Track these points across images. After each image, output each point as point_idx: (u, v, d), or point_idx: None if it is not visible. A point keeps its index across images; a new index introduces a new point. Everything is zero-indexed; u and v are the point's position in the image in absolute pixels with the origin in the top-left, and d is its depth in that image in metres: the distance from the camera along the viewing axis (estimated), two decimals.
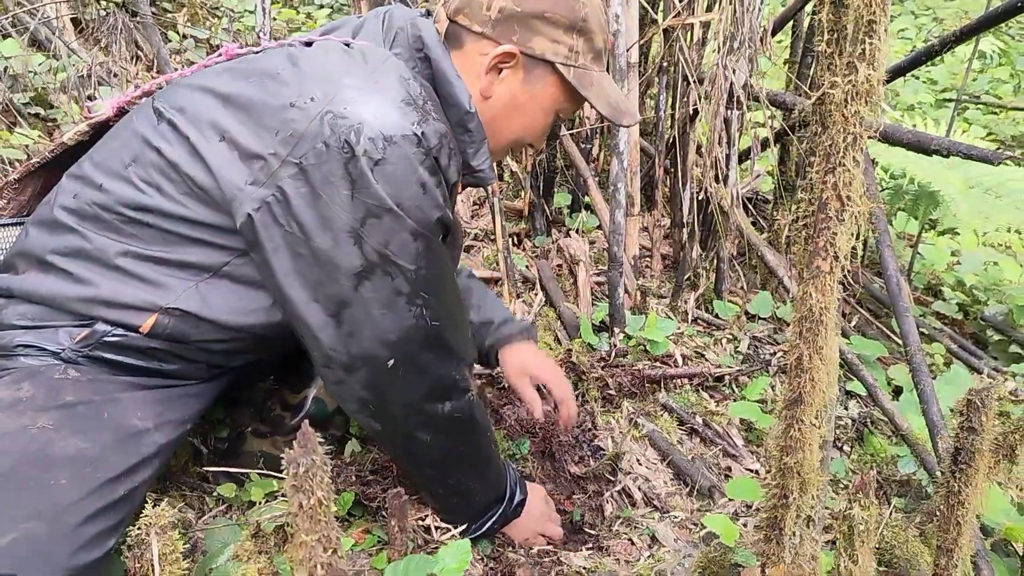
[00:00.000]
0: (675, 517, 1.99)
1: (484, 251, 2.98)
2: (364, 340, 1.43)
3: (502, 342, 2.01)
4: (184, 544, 1.57)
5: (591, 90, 1.60)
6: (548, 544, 1.86)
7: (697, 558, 1.76)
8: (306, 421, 0.94)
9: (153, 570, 1.25)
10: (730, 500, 2.02)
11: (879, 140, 2.24)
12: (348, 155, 1.34)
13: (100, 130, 1.64)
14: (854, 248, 1.19)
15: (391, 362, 1.45)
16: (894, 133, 2.18)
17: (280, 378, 1.94)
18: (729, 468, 2.19)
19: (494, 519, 1.75)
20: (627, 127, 1.75)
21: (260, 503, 1.63)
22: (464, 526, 1.73)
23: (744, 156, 3.19)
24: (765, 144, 3.24)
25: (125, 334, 1.46)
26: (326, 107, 1.37)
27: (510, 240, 3.07)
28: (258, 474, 1.80)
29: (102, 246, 1.46)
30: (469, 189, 3.18)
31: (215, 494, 1.75)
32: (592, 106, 1.61)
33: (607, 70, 1.69)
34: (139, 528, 1.24)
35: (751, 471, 2.19)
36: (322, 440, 1.86)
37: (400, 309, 1.43)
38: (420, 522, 1.68)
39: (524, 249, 3.06)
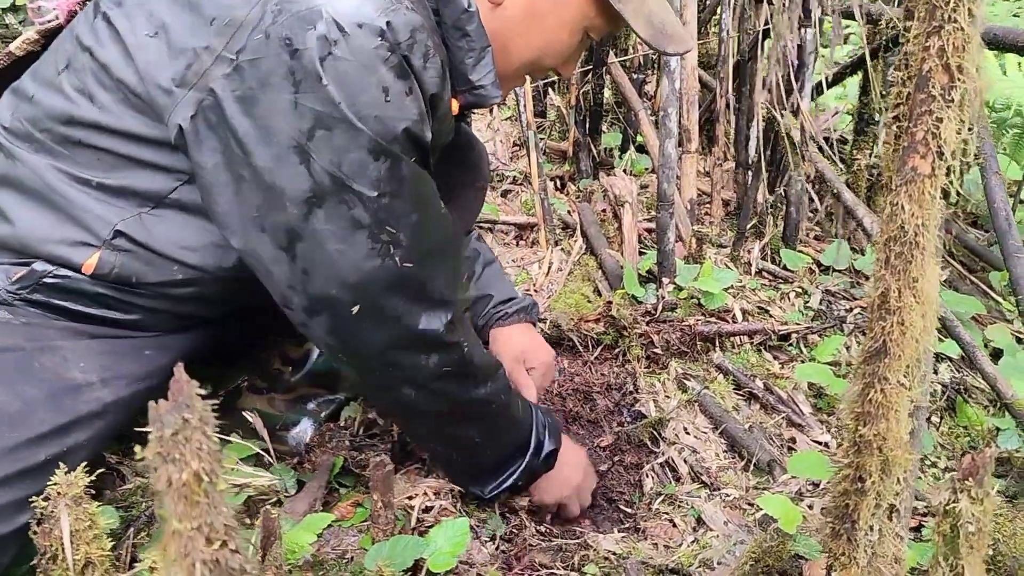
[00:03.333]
0: (727, 495, 1.70)
1: (523, 195, 2.69)
2: (321, 280, 1.18)
3: (496, 321, 1.75)
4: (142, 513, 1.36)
5: (628, 4, 1.30)
6: (577, 517, 1.59)
7: (750, 546, 1.46)
8: (180, 365, 0.67)
9: (63, 549, 1.02)
10: (793, 478, 1.71)
11: (984, 46, 1.85)
12: (292, 48, 1.08)
13: (52, 38, 1.40)
14: (948, 182, 0.88)
15: (355, 308, 1.20)
16: (1006, 36, 1.78)
17: (281, 327, 1.70)
18: (793, 440, 1.88)
19: (517, 473, 1.49)
20: (672, 56, 1.43)
21: (228, 469, 1.39)
22: (477, 484, 1.48)
23: (824, 88, 2.82)
24: (844, 74, 2.86)
25: (68, 275, 1.25)
26: None
27: (552, 183, 2.78)
28: (240, 435, 1.57)
29: (34, 169, 1.25)
30: (506, 126, 2.89)
31: None
32: (627, 25, 1.31)
33: None
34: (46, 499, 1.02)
35: (819, 444, 1.88)
36: (318, 399, 1.66)
37: (360, 245, 1.17)
38: (408, 500, 1.42)
39: (567, 193, 2.76)
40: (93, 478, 1.04)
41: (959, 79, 0.81)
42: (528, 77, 1.47)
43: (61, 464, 1.13)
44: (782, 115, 2.18)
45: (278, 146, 1.11)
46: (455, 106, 1.33)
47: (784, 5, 2.09)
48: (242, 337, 1.67)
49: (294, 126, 1.10)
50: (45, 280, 1.24)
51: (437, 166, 1.52)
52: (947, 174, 0.85)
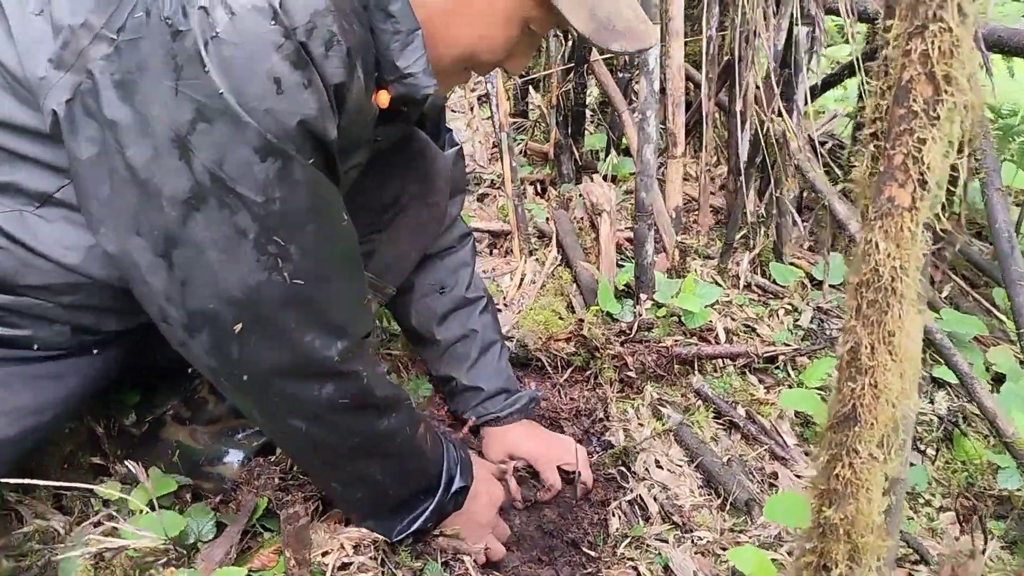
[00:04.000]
0: (699, 539, 1.54)
1: (501, 200, 2.54)
2: (200, 293, 1.03)
3: (487, 421, 1.62)
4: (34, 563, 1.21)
5: None
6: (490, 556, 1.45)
7: None
8: None
9: None
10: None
11: (986, 49, 1.68)
12: (174, 29, 0.94)
13: None
14: (949, 191, 0.72)
15: (238, 327, 1.04)
16: (1011, 38, 1.61)
17: None
18: (775, 475, 1.72)
19: (427, 513, 1.33)
20: (619, 54, 1.25)
21: (138, 512, 1.25)
22: (381, 525, 1.33)
23: (817, 91, 2.65)
24: (842, 75, 2.70)
25: None
26: None
27: (532, 187, 2.63)
28: (161, 471, 1.43)
29: None
30: (486, 126, 2.74)
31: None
32: (563, 19, 1.13)
33: None
34: None
35: (803, 479, 1.72)
36: (246, 430, 1.51)
37: (244, 256, 1.02)
38: (323, 556, 1.27)
39: (548, 199, 2.61)
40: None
41: (946, 91, 0.65)
42: (472, 73, 1.29)
43: None
44: (771, 120, 2.02)
45: (156, 138, 0.96)
46: (384, 98, 1.15)
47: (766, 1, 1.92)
48: (166, 359, 1.53)
49: (174, 117, 0.95)
50: None
51: (376, 177, 1.37)
52: (931, 207, 0.70)
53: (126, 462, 1.47)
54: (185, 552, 1.29)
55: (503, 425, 1.62)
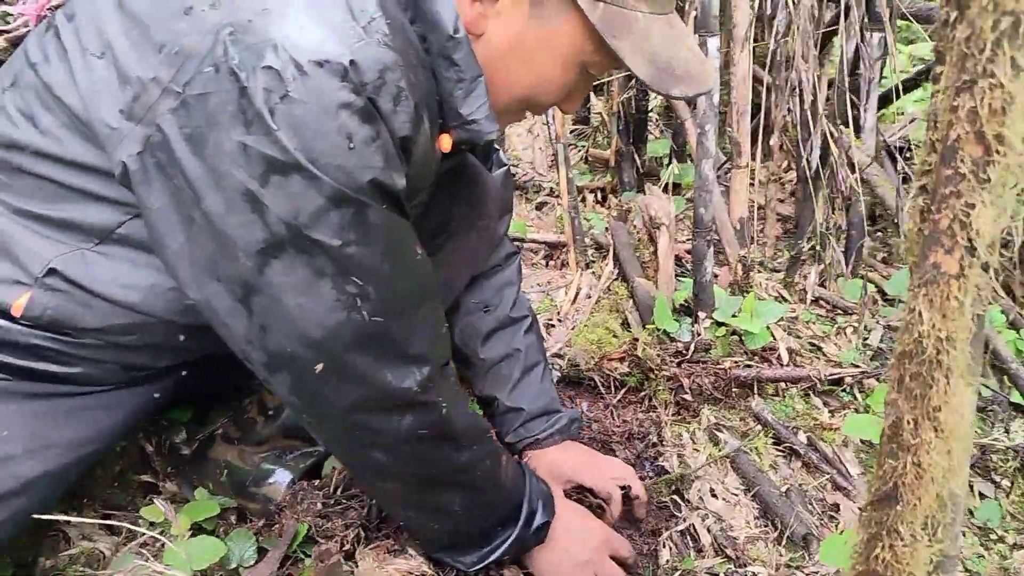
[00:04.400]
0: (753, 574, 1.48)
1: (559, 209, 2.50)
2: (280, 336, 1.04)
3: (528, 444, 1.58)
4: None
5: (625, 39, 1.10)
6: None
7: None
8: None
9: None
10: None
11: None
12: (242, 85, 0.94)
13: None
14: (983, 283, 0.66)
15: (319, 367, 1.05)
16: None
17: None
18: (836, 507, 1.65)
19: (505, 545, 1.32)
20: (679, 99, 1.23)
21: (180, 536, 1.26)
22: (457, 556, 1.32)
23: (894, 94, 2.53)
24: (921, 77, 2.56)
25: None
26: (226, 17, 0.98)
27: (592, 195, 2.58)
28: (209, 492, 1.45)
29: None
30: (546, 132, 2.70)
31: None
32: (623, 64, 1.11)
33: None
34: None
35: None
36: (294, 452, 1.51)
37: (324, 298, 1.02)
38: None
39: (609, 207, 2.56)
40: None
41: (997, 152, 0.59)
42: (528, 113, 1.29)
43: None
44: (839, 132, 1.92)
45: (227, 192, 0.97)
46: (447, 142, 1.17)
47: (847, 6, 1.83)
48: (219, 381, 1.54)
49: (245, 171, 0.96)
50: None
51: (431, 204, 1.36)
52: (983, 273, 0.64)
53: (174, 482, 1.51)
54: None
55: (544, 447, 1.58)
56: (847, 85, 2.02)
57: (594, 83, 1.28)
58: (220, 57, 0.96)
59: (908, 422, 0.66)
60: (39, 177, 1.10)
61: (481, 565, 1.31)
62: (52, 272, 1.11)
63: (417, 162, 1.10)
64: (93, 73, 1.05)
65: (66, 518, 1.15)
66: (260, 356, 1.06)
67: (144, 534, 1.30)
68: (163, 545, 1.29)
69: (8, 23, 1.30)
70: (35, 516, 1.11)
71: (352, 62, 0.95)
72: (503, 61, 1.15)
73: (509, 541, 1.31)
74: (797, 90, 2.02)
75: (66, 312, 1.12)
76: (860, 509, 0.72)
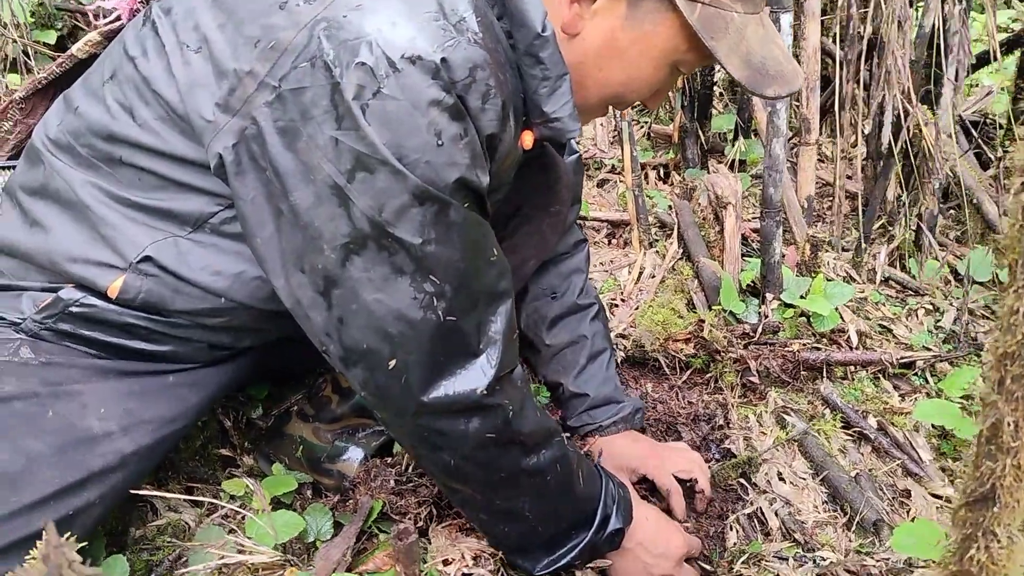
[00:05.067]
0: (821, 559, 1.48)
1: (621, 186, 2.48)
2: (357, 330, 1.06)
3: (591, 431, 1.58)
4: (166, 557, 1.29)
5: (722, 40, 1.10)
6: None
7: None
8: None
9: None
10: None
11: None
12: (335, 80, 0.96)
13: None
14: None
15: (392, 362, 1.06)
16: None
17: None
18: (907, 493, 1.62)
19: (576, 551, 1.29)
20: (772, 99, 1.23)
21: (264, 510, 1.30)
22: (527, 559, 1.30)
23: (972, 67, 2.45)
24: (1002, 51, 2.47)
25: (94, 304, 1.17)
26: (321, 12, 1.00)
27: (655, 172, 2.56)
28: (285, 467, 1.49)
29: (71, 184, 1.16)
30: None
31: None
32: (719, 64, 1.13)
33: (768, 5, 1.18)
34: None
35: (939, 498, 1.62)
36: (366, 430, 1.54)
37: (401, 294, 1.04)
38: (444, 565, 1.28)
39: (672, 184, 2.53)
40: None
41: None
42: (612, 108, 1.29)
43: (66, 528, 1.07)
44: (914, 107, 1.87)
45: (317, 185, 1.00)
46: (528, 139, 1.18)
47: None
48: (296, 360, 1.58)
49: (334, 166, 0.98)
50: (71, 309, 1.17)
51: (506, 190, 1.36)
52: None
53: (251, 456, 1.55)
54: (304, 551, 1.34)
55: (607, 435, 1.58)
56: (925, 59, 1.96)
57: (676, 81, 1.27)
58: (315, 52, 0.97)
59: (1008, 424, 0.65)
60: (137, 168, 1.14)
61: (551, 569, 1.30)
62: (147, 259, 1.14)
63: (500, 159, 1.11)
64: (190, 67, 1.07)
65: (156, 493, 1.19)
66: (337, 349, 1.08)
67: (226, 507, 1.34)
68: (243, 518, 1.33)
69: (103, 17, 1.34)
70: (129, 491, 1.15)
71: (444, 60, 0.96)
72: (597, 60, 1.16)
73: (581, 546, 1.29)
74: (874, 65, 1.97)
75: (157, 296, 1.16)
76: (954, 510, 0.71)
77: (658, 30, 1.13)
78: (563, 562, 1.29)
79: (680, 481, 1.55)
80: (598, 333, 1.63)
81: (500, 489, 1.21)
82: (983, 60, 2.50)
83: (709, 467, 1.63)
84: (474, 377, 1.10)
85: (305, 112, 0.98)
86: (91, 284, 1.16)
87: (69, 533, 0.94)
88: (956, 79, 1.89)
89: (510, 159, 1.16)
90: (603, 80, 1.18)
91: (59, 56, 1.35)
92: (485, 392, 1.11)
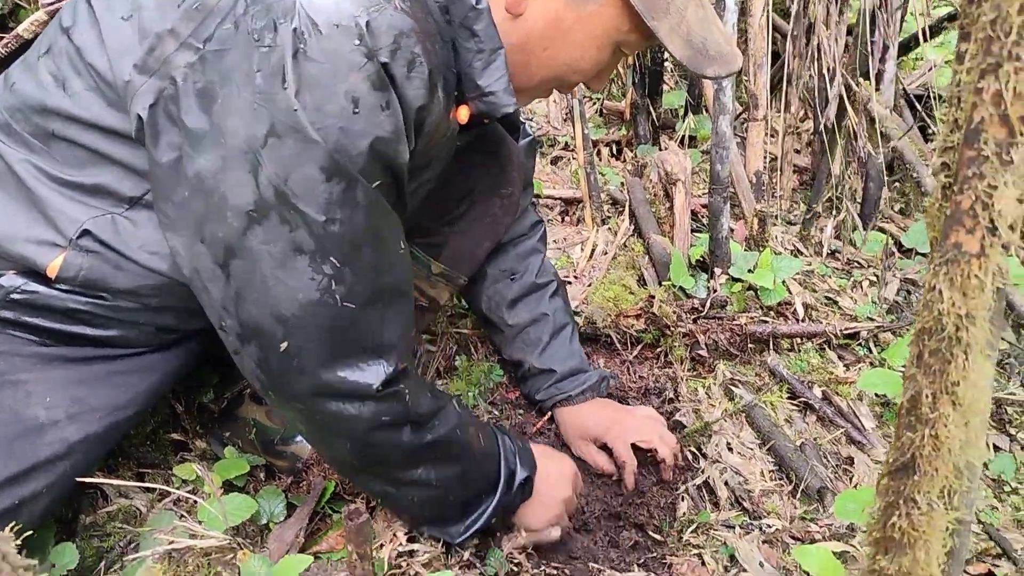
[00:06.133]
0: (767, 527, 1.52)
1: (575, 163, 2.49)
2: (252, 305, 1.05)
3: (559, 401, 1.62)
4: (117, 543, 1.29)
5: (663, 20, 1.12)
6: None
7: None
8: None
9: None
10: None
11: None
12: (260, 43, 0.95)
13: None
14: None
15: (284, 344, 1.06)
16: None
17: None
18: (851, 460, 1.68)
19: (488, 511, 1.31)
20: (713, 79, 1.25)
21: (214, 494, 1.30)
22: (442, 530, 1.32)
23: (913, 42, 2.49)
24: (942, 25, 2.52)
25: (36, 290, 1.15)
26: None
27: (608, 149, 2.57)
28: (238, 449, 1.48)
29: (9, 163, 1.15)
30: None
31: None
32: (661, 45, 1.14)
33: None
34: None
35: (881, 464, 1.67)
36: None
37: (298, 273, 1.03)
38: (390, 542, 1.30)
39: (624, 161, 2.55)
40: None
41: (1022, 134, 0.60)
42: (555, 91, 1.30)
43: (10, 518, 1.07)
44: (857, 83, 1.90)
45: (227, 149, 0.98)
46: (464, 114, 1.18)
47: None
48: None
49: (249, 130, 0.97)
50: (13, 296, 1.15)
51: (452, 172, 1.36)
52: (1004, 254, 0.64)
53: (203, 440, 1.55)
54: (258, 533, 1.35)
55: (575, 404, 1.62)
56: (867, 35, 1.99)
57: (616, 64, 1.29)
58: (240, 14, 0.97)
59: (927, 396, 0.68)
60: (70, 142, 1.11)
61: (468, 534, 1.31)
62: (85, 233, 1.13)
63: (429, 131, 1.10)
64: (119, 33, 1.06)
65: (105, 481, 1.19)
66: (233, 324, 1.07)
67: (178, 492, 1.34)
68: (196, 502, 1.33)
69: None
70: (77, 479, 1.15)
71: (368, 24, 0.96)
72: (541, 41, 1.16)
73: (492, 506, 1.31)
74: (815, 42, 2.00)
75: (98, 273, 1.15)
76: (878, 479, 0.74)
77: (601, 11, 1.14)
78: (479, 525, 1.31)
79: (644, 451, 1.59)
80: (558, 309, 1.65)
81: (402, 467, 1.21)
82: (936, 30, 2.54)
83: (672, 443, 1.66)
84: (370, 373, 1.10)
85: (225, 74, 0.97)
86: (32, 264, 1.14)
87: (15, 523, 0.94)
88: (890, 54, 1.92)
89: (440, 132, 1.15)
90: (547, 60, 1.19)
91: (3, 37, 1.32)
92: (380, 388, 1.10)
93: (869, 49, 1.94)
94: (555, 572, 1.39)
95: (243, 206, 1.00)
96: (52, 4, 1.29)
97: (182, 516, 1.31)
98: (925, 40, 1.98)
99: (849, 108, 1.94)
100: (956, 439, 0.69)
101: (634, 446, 1.57)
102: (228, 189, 0.99)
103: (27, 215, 1.14)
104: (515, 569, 1.35)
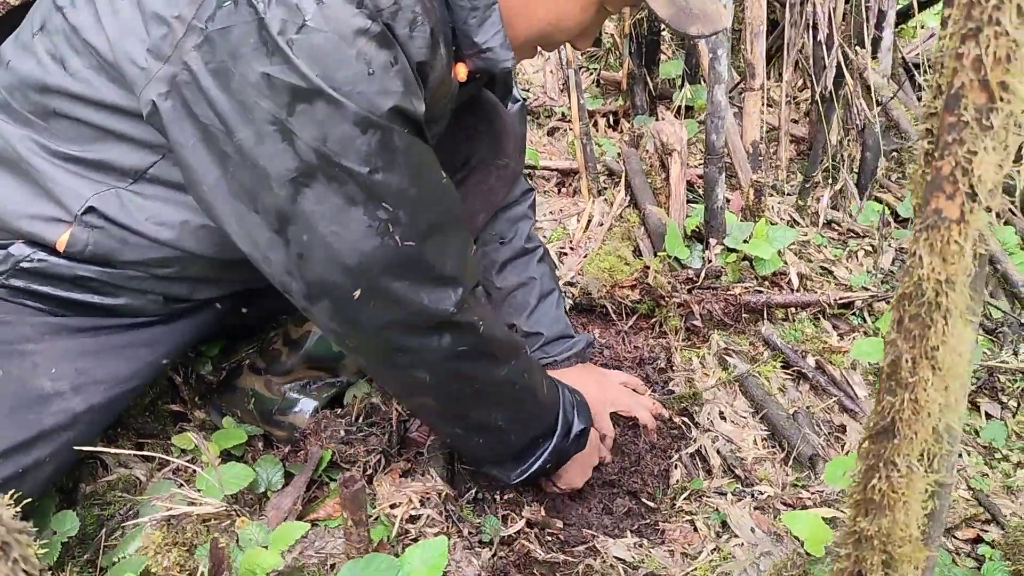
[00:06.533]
0: (759, 493, 1.54)
1: (571, 134, 2.49)
2: (317, 265, 1.07)
3: (545, 365, 1.62)
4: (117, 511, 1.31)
5: None
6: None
7: (770, 568, 1.32)
8: None
9: None
10: None
11: None
12: (260, 17, 0.96)
13: None
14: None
15: (357, 292, 1.08)
16: None
17: (289, 306, 1.61)
18: (843, 428, 1.69)
19: (544, 455, 1.37)
20: (696, 38, 1.26)
21: (211, 463, 1.31)
22: (502, 469, 1.37)
23: (913, 9, 2.48)
24: None
25: (45, 259, 1.17)
26: None
27: (604, 120, 2.57)
28: (236, 420, 1.50)
29: (8, 141, 1.16)
30: (558, 55, 2.67)
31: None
32: (643, 3, 1.15)
33: None
34: None
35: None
36: (318, 383, 1.55)
37: (356, 225, 1.05)
38: (392, 508, 1.32)
39: (621, 131, 2.54)
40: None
41: (1001, 99, 0.60)
42: (540, 49, 1.30)
43: (15, 486, 1.08)
44: (855, 52, 1.89)
45: (257, 123, 1.00)
46: (462, 72, 1.19)
47: None
48: (248, 315, 1.59)
49: (271, 101, 0.98)
50: (23, 265, 1.17)
51: (447, 139, 1.37)
52: (985, 217, 0.65)
53: (202, 410, 1.57)
54: (256, 501, 1.37)
55: (560, 368, 1.63)
56: (863, 1, 1.98)
57: (604, 21, 1.29)
58: None
59: (906, 361, 0.69)
60: (72, 119, 1.13)
61: (524, 476, 1.37)
62: (90, 210, 1.15)
63: (433, 87, 1.12)
64: (119, 15, 1.07)
65: (105, 451, 1.20)
66: (299, 286, 1.09)
67: (176, 462, 1.36)
68: (195, 471, 1.35)
69: None
70: (76, 448, 1.17)
71: None
72: None
73: (548, 451, 1.36)
74: (811, 9, 1.98)
75: (105, 247, 1.17)
76: (859, 443, 0.75)
77: None
78: (535, 468, 1.36)
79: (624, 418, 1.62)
80: (545, 274, 1.66)
81: (474, 401, 1.26)
82: (926, 3, 2.53)
83: (654, 405, 1.68)
84: (442, 298, 1.13)
85: (234, 52, 0.98)
86: (39, 239, 1.16)
87: (17, 491, 0.95)
88: (887, 21, 1.91)
89: (444, 89, 1.17)
90: (531, 18, 1.19)
91: None
92: (454, 310, 1.14)
93: (865, 16, 1.92)
94: (550, 539, 1.41)
95: (287, 174, 1.01)
96: None
97: (181, 485, 1.33)
98: (921, 8, 1.97)
99: (847, 75, 1.94)
100: (935, 403, 0.69)
101: (616, 414, 1.60)
102: (267, 161, 1.01)
103: (31, 191, 1.16)
104: (512, 536, 1.37)
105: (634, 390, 1.67)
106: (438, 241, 1.13)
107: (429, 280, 1.12)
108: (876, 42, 2.10)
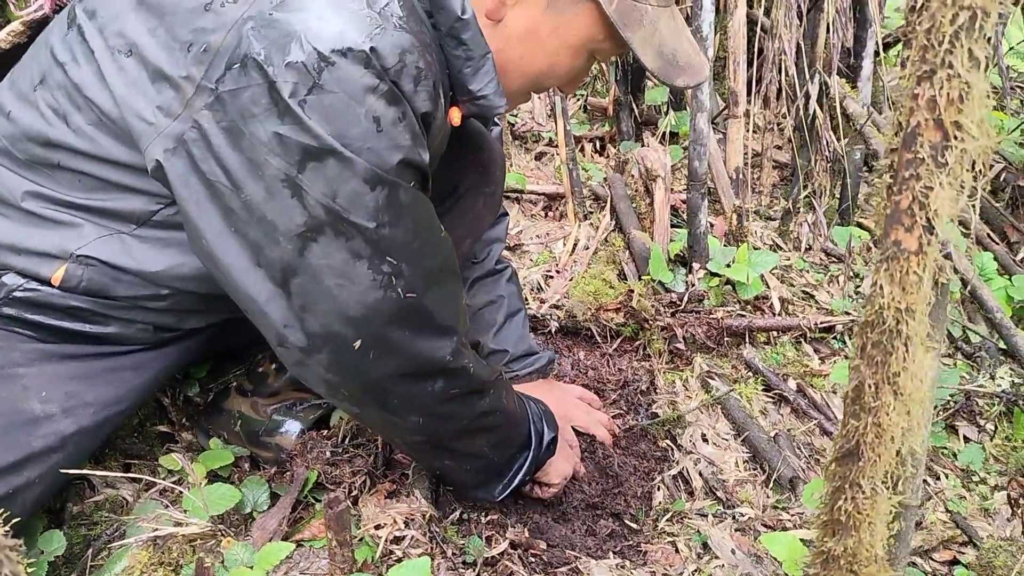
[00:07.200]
0: (740, 515, 1.56)
1: (558, 159, 2.52)
2: (320, 316, 1.10)
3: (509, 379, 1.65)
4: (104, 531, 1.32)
5: (637, 31, 1.17)
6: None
7: None
8: None
9: None
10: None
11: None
12: (270, 79, 0.99)
13: (40, 29, 1.32)
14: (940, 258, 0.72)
15: (358, 343, 1.11)
16: None
17: None
18: (823, 450, 1.72)
19: (524, 469, 1.42)
20: (682, 88, 1.31)
21: (197, 484, 1.33)
22: (487, 490, 1.42)
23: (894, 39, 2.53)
24: None
25: (38, 288, 1.20)
26: (247, 10, 1.02)
27: (591, 145, 2.61)
28: (223, 441, 1.52)
29: (11, 186, 1.19)
30: None
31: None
32: (634, 54, 1.19)
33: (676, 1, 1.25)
34: None
35: None
36: (303, 404, 1.57)
37: (361, 278, 1.08)
38: (376, 529, 1.33)
39: (607, 156, 2.58)
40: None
41: (955, 138, 0.63)
42: (531, 94, 1.35)
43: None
44: (835, 82, 1.94)
45: (268, 179, 1.03)
46: (456, 116, 1.23)
47: None
48: (238, 340, 1.61)
49: (282, 159, 1.02)
50: (15, 294, 1.19)
51: (438, 171, 1.40)
52: (940, 250, 0.68)
53: (189, 432, 1.58)
54: (242, 522, 1.38)
55: (521, 384, 1.66)
56: (844, 33, 2.03)
57: (589, 69, 1.35)
58: (245, 52, 1.00)
59: (869, 386, 0.72)
60: (76, 172, 1.16)
61: (507, 492, 1.41)
62: (87, 255, 1.17)
63: (435, 135, 1.16)
64: (124, 72, 1.09)
65: (92, 472, 1.22)
66: (299, 338, 1.11)
67: (163, 483, 1.37)
68: (181, 492, 1.36)
69: (27, 9, 1.33)
70: (63, 471, 1.18)
71: (373, 49, 1.00)
72: (519, 47, 1.20)
73: (526, 464, 1.41)
74: (790, 41, 2.03)
75: (99, 284, 1.20)
76: (825, 466, 0.77)
77: (577, 20, 1.18)
78: (515, 481, 1.40)
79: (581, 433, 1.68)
80: (513, 294, 1.71)
81: (463, 435, 1.30)
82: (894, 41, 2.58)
83: (632, 431, 1.72)
84: (439, 346, 1.17)
85: (245, 111, 1.01)
86: (34, 275, 1.19)
87: (8, 511, 0.97)
88: (867, 51, 1.95)
89: (441, 134, 1.22)
90: (524, 65, 1.23)
91: None
92: (450, 358, 1.18)
93: (839, 46, 1.97)
94: (534, 560, 1.43)
95: (295, 228, 1.04)
96: (30, 16, 1.31)
97: (167, 505, 1.34)
98: (886, 48, 2.03)
99: (815, 106, 1.98)
100: (898, 427, 0.72)
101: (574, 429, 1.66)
102: (276, 216, 1.04)
103: (28, 230, 1.18)
104: (496, 557, 1.39)
105: (589, 404, 1.73)
106: (437, 292, 1.17)
107: (428, 330, 1.16)
108: (856, 71, 2.15)
